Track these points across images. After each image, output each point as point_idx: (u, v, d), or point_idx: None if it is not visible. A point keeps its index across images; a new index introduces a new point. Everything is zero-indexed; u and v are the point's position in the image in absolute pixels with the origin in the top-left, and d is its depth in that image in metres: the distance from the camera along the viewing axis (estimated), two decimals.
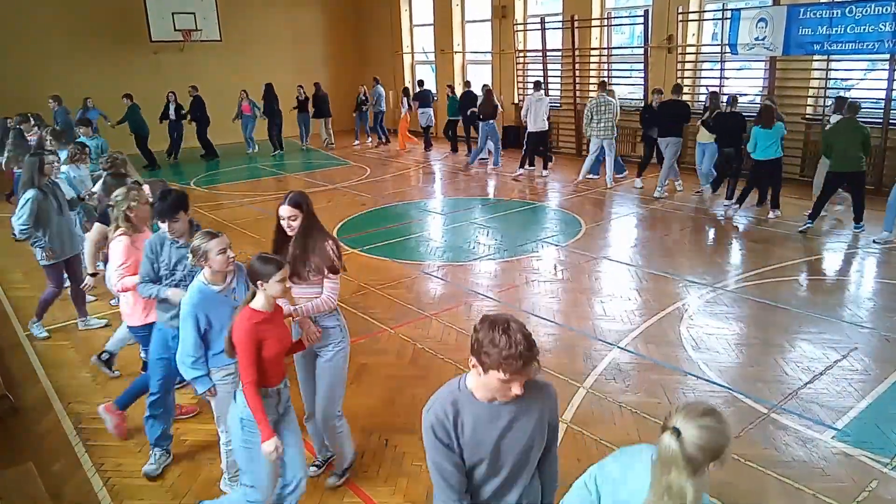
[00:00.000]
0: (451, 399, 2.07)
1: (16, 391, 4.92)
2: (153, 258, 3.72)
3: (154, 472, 3.89)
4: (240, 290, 3.39)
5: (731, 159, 9.45)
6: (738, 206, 9.03)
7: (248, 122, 15.64)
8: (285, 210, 3.32)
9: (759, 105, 9.43)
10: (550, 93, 13.83)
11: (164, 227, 3.74)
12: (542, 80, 13.16)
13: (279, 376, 3.08)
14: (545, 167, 12.33)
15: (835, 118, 8.17)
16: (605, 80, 12.71)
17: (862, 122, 8.22)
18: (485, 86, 13.24)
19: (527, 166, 12.19)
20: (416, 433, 4.21)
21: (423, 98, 15.25)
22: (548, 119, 11.90)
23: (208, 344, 3.31)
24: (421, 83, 15.87)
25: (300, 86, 16.08)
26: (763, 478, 3.66)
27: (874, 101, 9.70)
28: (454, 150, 15.06)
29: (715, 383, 4.69)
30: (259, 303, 2.95)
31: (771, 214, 8.92)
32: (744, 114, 9.40)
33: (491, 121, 12.58)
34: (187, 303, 3.24)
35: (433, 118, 15.49)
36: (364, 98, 16.37)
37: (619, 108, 11.19)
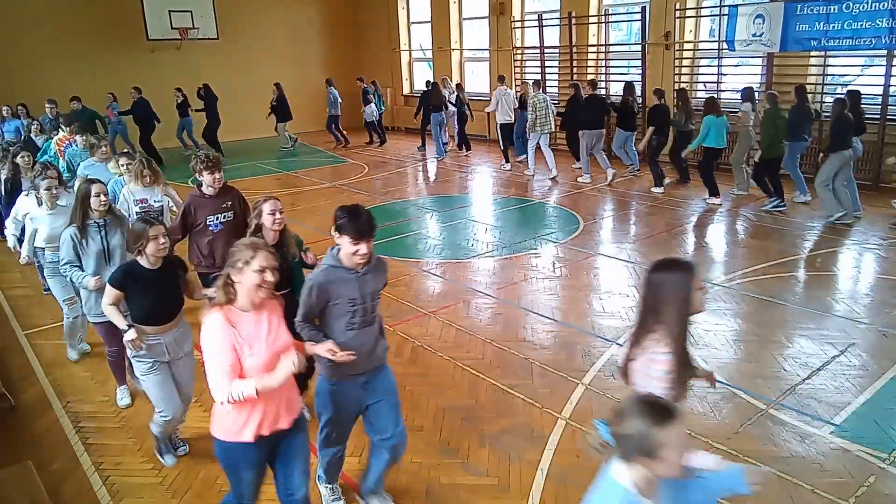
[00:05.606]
0: None
1: (14, 390, 4.92)
2: None
3: None
4: None
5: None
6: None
7: (116, 129, 14.18)
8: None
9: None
10: (548, 90, 13.78)
11: None
12: (513, 78, 13.50)
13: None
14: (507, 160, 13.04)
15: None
16: (539, 79, 13.25)
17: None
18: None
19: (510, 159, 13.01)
20: (414, 431, 4.23)
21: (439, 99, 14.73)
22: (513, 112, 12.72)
23: None
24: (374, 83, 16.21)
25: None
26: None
27: (871, 96, 9.69)
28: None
29: None
30: None
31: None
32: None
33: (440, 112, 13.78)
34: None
35: (376, 113, 15.81)
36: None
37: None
